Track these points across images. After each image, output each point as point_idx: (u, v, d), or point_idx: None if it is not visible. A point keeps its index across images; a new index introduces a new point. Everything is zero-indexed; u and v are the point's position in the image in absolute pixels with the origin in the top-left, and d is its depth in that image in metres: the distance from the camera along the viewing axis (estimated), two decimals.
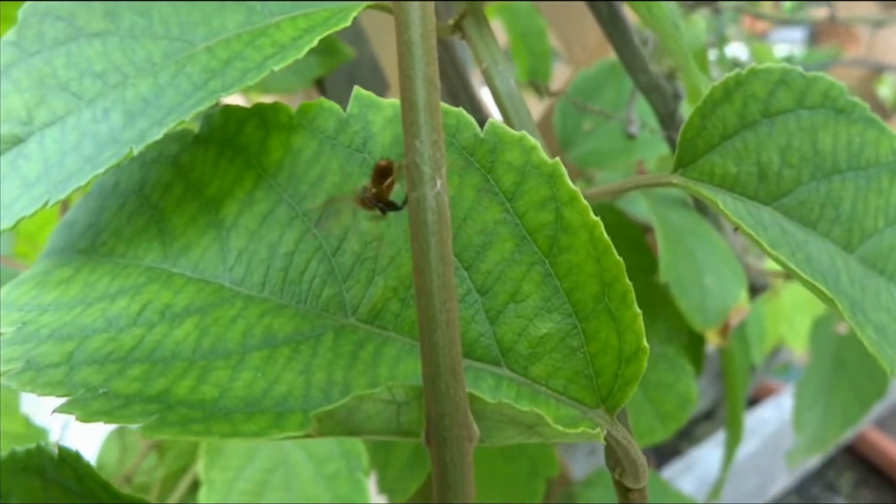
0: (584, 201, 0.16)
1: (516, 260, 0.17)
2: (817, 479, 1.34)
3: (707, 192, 0.19)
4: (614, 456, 0.18)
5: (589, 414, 0.16)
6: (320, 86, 0.47)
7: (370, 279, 0.17)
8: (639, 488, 0.18)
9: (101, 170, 0.18)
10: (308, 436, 0.14)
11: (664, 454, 1.25)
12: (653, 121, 0.41)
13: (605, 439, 0.17)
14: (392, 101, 0.18)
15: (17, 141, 0.20)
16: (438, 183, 0.13)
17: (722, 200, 0.18)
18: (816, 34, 1.30)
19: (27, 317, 0.19)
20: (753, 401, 1.31)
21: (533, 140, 0.17)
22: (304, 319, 0.17)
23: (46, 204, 0.19)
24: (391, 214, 0.17)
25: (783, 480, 1.26)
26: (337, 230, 0.18)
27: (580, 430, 0.14)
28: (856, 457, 1.34)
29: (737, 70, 0.19)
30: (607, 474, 0.13)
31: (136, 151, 0.18)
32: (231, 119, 0.20)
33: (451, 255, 0.13)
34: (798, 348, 0.94)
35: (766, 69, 0.20)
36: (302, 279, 0.18)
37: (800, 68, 0.20)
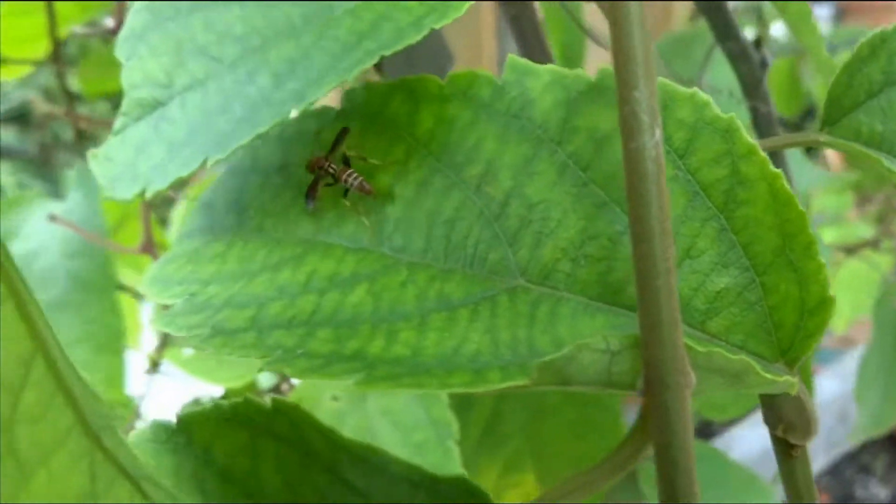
0: (763, 153, 0.16)
1: (689, 216, 0.17)
2: (852, 461, 1.32)
3: (861, 149, 0.19)
4: (777, 412, 0.18)
5: (769, 367, 0.16)
6: (376, 64, 0.47)
7: (538, 241, 0.17)
8: (802, 444, 0.18)
9: (264, 128, 0.18)
10: (524, 386, 0.14)
11: (701, 434, 1.25)
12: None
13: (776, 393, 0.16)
14: (550, 67, 0.18)
15: (158, 104, 0.21)
16: (657, 132, 0.13)
17: (885, 158, 0.18)
18: (843, 12, 1.28)
19: (191, 289, 0.19)
20: None
21: (704, 96, 0.16)
22: (473, 283, 0.18)
23: (205, 163, 0.19)
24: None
25: (818, 462, 1.25)
26: (499, 195, 0.18)
27: (783, 378, 0.14)
28: (891, 440, 1.33)
29: (882, 27, 0.19)
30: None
31: (296, 111, 0.18)
32: (375, 94, 0.20)
33: (668, 203, 0.13)
34: (839, 329, 0.93)
35: None
36: (466, 244, 0.18)
37: None
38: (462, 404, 0.38)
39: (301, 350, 0.15)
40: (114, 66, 0.21)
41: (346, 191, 0.20)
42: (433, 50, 0.40)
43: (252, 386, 0.41)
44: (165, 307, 0.19)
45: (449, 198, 0.19)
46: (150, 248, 0.36)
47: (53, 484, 0.10)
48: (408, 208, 0.19)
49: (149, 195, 0.19)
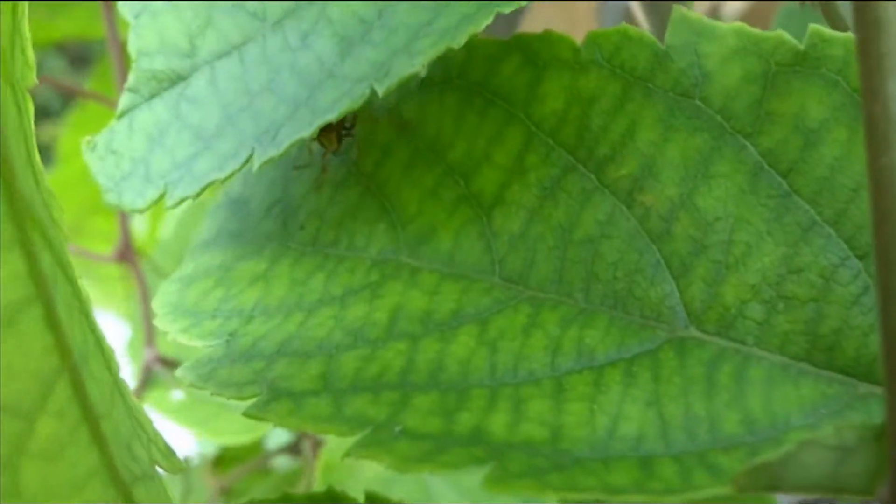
0: None
1: None
2: None
3: None
4: None
5: None
6: None
7: (716, 275, 0.17)
8: None
9: (331, 115, 0.18)
10: (719, 499, 0.14)
11: None
12: None
13: None
14: (736, 27, 0.18)
15: (178, 78, 0.21)
16: None
17: None
18: None
19: (229, 326, 0.20)
20: None
21: None
22: (625, 331, 0.18)
23: (250, 161, 0.19)
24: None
25: None
26: (660, 206, 0.18)
27: None
28: None
29: None
30: None
31: (382, 89, 0.18)
32: (477, 56, 0.20)
33: None
34: None
35: None
36: (613, 275, 0.18)
37: None
38: None
39: (398, 427, 0.16)
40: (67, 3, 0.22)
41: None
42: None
43: (259, 444, 0.42)
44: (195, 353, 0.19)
45: (588, 207, 0.18)
46: (129, 254, 0.37)
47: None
48: (528, 221, 0.19)
49: (171, 203, 0.20)
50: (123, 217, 0.37)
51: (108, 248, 0.38)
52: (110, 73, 0.36)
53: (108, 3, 0.32)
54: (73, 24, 0.43)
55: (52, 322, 0.11)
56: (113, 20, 0.32)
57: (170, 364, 0.39)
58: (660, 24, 0.31)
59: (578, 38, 0.19)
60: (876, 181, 0.13)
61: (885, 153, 0.13)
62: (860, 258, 0.17)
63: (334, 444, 0.35)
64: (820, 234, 0.17)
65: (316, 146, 0.22)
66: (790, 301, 0.17)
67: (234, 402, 0.37)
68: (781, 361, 0.17)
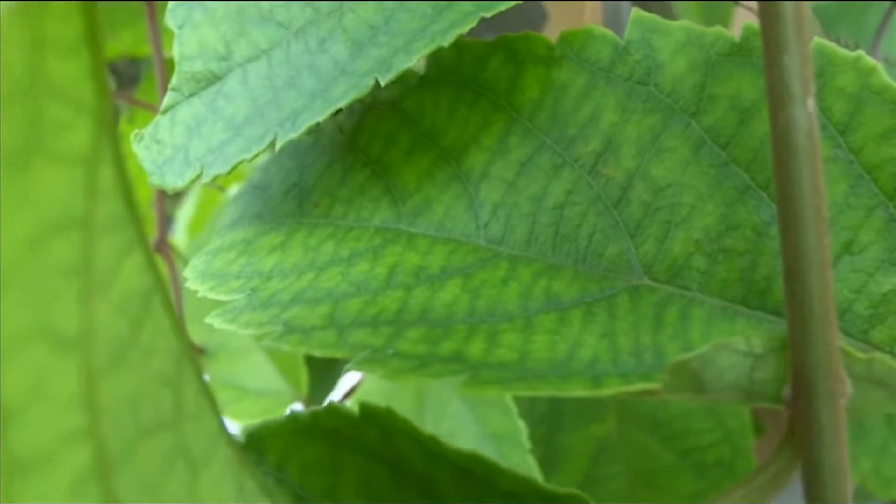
0: None
1: (850, 204, 0.19)
2: None
3: None
4: None
5: None
6: None
7: (666, 232, 0.20)
8: None
9: (342, 103, 0.22)
10: (650, 393, 0.17)
11: None
12: None
13: None
14: (683, 24, 0.21)
15: (215, 78, 0.25)
16: (809, 103, 0.16)
17: None
18: None
19: (251, 283, 0.23)
20: None
21: (871, 61, 0.19)
22: (587, 280, 0.21)
23: (273, 144, 0.22)
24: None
25: None
26: (619, 177, 0.21)
27: None
28: None
29: None
30: None
31: (384, 81, 0.21)
32: (467, 55, 0.24)
33: (824, 185, 0.16)
34: None
35: None
36: (578, 235, 0.21)
37: None
38: (548, 461, 0.41)
39: (391, 350, 0.19)
40: (118, 25, 0.26)
41: None
42: (524, 8, 0.44)
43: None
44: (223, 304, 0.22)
45: (558, 179, 0.22)
46: (164, 248, 0.41)
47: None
48: (507, 192, 0.22)
49: (205, 180, 0.23)
50: (161, 216, 0.41)
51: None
52: (153, 89, 0.40)
53: (154, 24, 0.36)
54: (122, 44, 0.48)
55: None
56: (158, 40, 0.37)
57: (198, 351, 0.42)
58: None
59: None
60: (776, 133, 0.16)
61: (781, 111, 0.16)
62: None
63: None
64: (753, 196, 0.20)
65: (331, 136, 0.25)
66: (728, 253, 0.20)
67: (253, 386, 0.40)
68: (720, 304, 0.20)
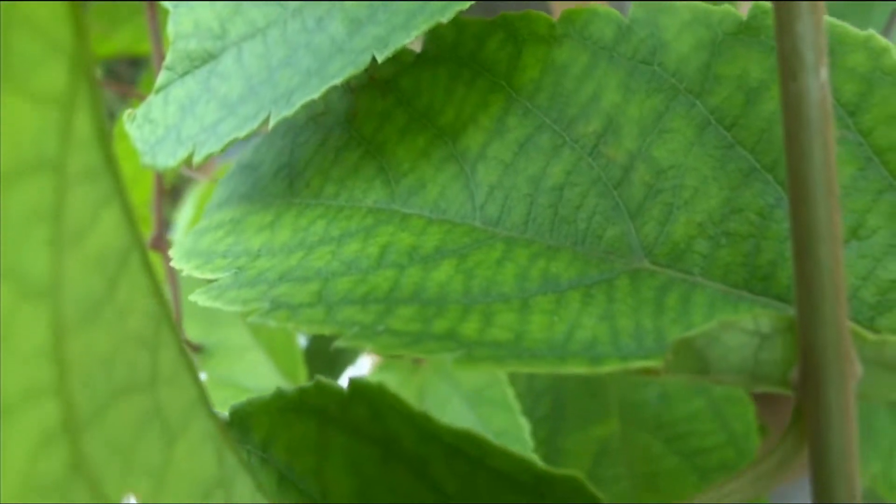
0: None
1: (859, 187, 0.19)
2: None
3: None
4: None
5: None
6: None
7: (668, 215, 0.20)
8: None
9: (338, 80, 0.21)
10: (651, 373, 0.16)
11: None
12: None
13: None
14: (689, 3, 0.20)
15: (210, 57, 0.24)
16: (822, 72, 0.15)
17: None
18: None
19: (238, 262, 0.22)
20: None
21: (883, 41, 0.19)
22: (586, 263, 0.20)
23: (267, 121, 0.22)
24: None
25: None
26: (621, 158, 0.20)
27: None
28: None
29: None
30: None
31: (381, 58, 0.21)
32: (466, 34, 0.23)
33: (835, 158, 0.15)
34: None
35: None
36: (577, 217, 0.20)
37: None
38: (549, 462, 0.40)
39: (382, 327, 0.18)
40: (118, 22, 0.25)
41: None
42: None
43: None
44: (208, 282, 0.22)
45: (557, 160, 0.21)
46: (161, 244, 0.40)
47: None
48: (505, 173, 0.21)
49: (198, 159, 0.22)
50: (159, 213, 0.40)
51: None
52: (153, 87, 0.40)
53: (154, 21, 0.36)
54: (122, 42, 0.47)
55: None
56: (158, 38, 0.36)
57: (195, 348, 0.41)
58: None
59: None
60: (787, 104, 0.15)
61: (792, 80, 0.15)
62: None
63: None
64: (759, 178, 0.19)
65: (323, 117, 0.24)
66: (732, 237, 0.19)
67: (251, 385, 0.39)
68: (723, 289, 0.19)
